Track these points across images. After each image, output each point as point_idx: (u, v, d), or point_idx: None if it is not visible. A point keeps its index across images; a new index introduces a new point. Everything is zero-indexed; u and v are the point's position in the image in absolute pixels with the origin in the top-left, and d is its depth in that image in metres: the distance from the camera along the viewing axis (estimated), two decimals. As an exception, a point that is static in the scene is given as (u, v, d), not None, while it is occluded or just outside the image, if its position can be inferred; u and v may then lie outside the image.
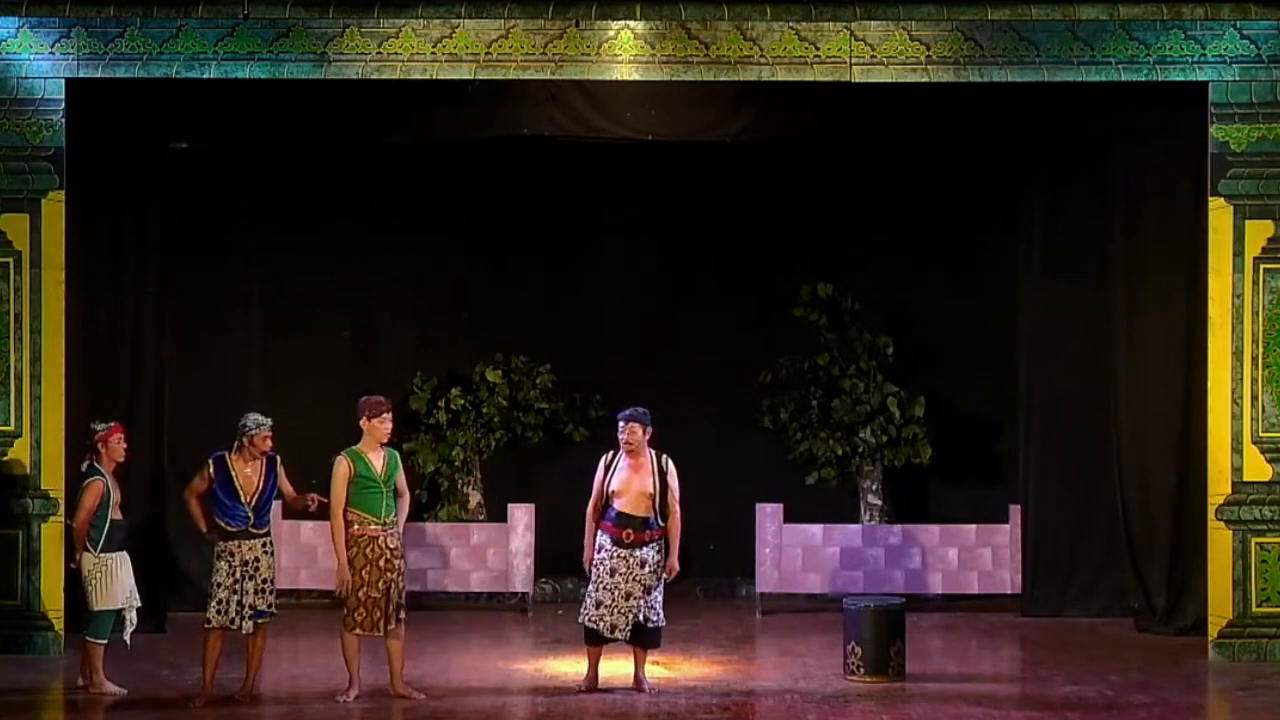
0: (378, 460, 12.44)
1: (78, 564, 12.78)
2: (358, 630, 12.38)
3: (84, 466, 12.83)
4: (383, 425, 12.47)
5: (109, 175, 14.71)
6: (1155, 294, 15.04)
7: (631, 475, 12.62)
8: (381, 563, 12.33)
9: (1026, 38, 13.91)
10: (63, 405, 14.03)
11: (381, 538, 12.36)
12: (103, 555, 12.71)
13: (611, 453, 12.75)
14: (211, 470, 12.40)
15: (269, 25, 13.82)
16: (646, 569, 12.55)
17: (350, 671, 12.47)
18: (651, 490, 12.58)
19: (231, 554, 12.33)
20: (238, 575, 12.33)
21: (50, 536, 13.94)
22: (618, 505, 12.57)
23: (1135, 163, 15.10)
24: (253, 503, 12.36)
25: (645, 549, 12.56)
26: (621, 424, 12.68)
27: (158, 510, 14.99)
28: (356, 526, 12.34)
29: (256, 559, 12.37)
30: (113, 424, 12.96)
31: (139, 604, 12.93)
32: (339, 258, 17.13)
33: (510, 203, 17.18)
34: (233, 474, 12.37)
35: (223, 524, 12.35)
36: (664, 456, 12.72)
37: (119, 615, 12.78)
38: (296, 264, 16.89)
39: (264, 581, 12.38)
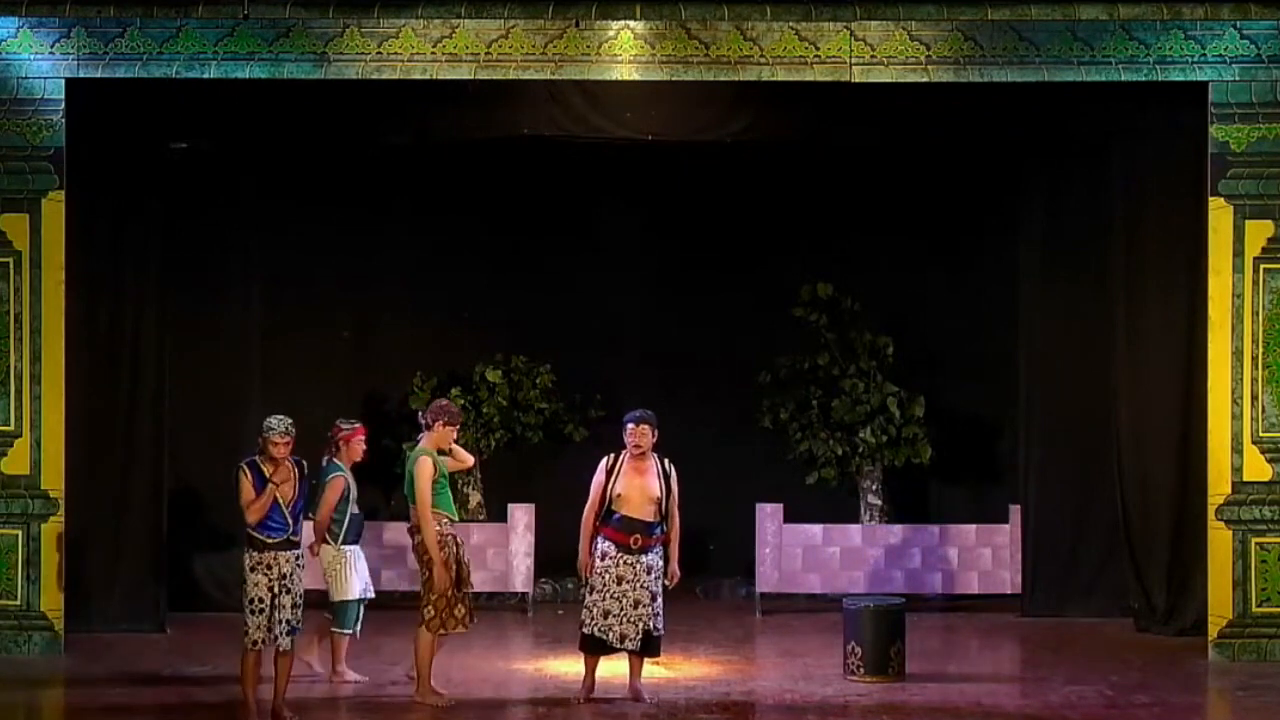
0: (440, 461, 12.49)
1: (316, 554, 12.91)
2: (442, 630, 12.22)
3: (324, 461, 13.01)
4: (452, 434, 12.52)
5: (109, 175, 14.70)
6: (1155, 294, 15.03)
7: (636, 479, 12.28)
8: (465, 558, 12.42)
9: (1026, 38, 13.90)
10: (63, 405, 14.03)
11: (457, 535, 12.42)
12: (343, 548, 12.96)
13: (612, 456, 12.40)
14: (249, 475, 11.63)
15: (269, 25, 13.80)
16: (652, 575, 12.29)
17: (425, 673, 12.27)
18: (658, 494, 12.27)
19: (269, 567, 11.60)
20: (275, 590, 11.61)
21: (50, 536, 13.95)
22: (622, 510, 12.25)
23: (1135, 163, 15.10)
24: (289, 509, 11.73)
25: (650, 554, 12.29)
26: (631, 426, 12.33)
27: (157, 510, 14.97)
28: (439, 526, 12.22)
29: (291, 573, 11.66)
30: (358, 425, 13.22)
31: (373, 595, 13.28)
32: (339, 257, 17.12)
33: (510, 203, 17.17)
34: (269, 480, 11.68)
35: (259, 536, 11.65)
36: (666, 460, 12.42)
37: (360, 605, 13.01)
38: (296, 264, 16.85)
39: (299, 596, 11.73)
